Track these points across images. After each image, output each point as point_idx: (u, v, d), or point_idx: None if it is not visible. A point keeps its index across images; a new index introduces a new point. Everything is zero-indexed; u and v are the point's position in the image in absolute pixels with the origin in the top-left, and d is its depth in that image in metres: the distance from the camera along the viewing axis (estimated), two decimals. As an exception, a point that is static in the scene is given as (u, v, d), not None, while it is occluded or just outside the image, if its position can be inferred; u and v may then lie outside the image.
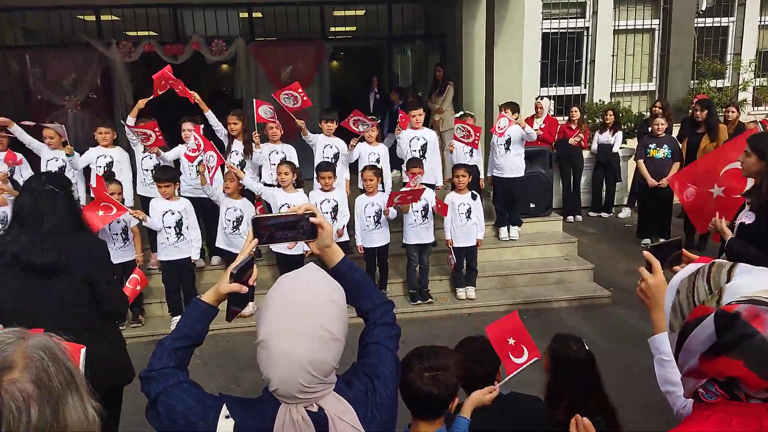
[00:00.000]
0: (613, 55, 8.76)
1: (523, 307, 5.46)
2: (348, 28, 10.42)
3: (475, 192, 5.47)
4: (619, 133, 7.78)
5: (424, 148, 5.81)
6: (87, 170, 5.63)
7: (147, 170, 5.61)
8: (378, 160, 5.72)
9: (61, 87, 8.64)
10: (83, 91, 8.61)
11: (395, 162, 6.49)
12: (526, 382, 3.74)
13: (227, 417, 1.29)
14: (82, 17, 8.74)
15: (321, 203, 5.18)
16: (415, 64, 10.96)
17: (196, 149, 5.29)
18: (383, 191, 5.54)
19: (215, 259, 5.96)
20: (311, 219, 1.49)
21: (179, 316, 5.13)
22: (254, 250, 1.55)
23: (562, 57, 8.61)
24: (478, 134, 5.69)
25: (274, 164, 5.54)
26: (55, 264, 2.32)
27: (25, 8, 8.33)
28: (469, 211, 5.35)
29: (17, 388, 0.95)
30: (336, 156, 5.80)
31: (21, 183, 4.98)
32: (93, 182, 5.45)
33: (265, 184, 5.56)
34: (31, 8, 8.32)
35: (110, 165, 5.43)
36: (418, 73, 10.75)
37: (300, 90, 5.63)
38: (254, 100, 5.67)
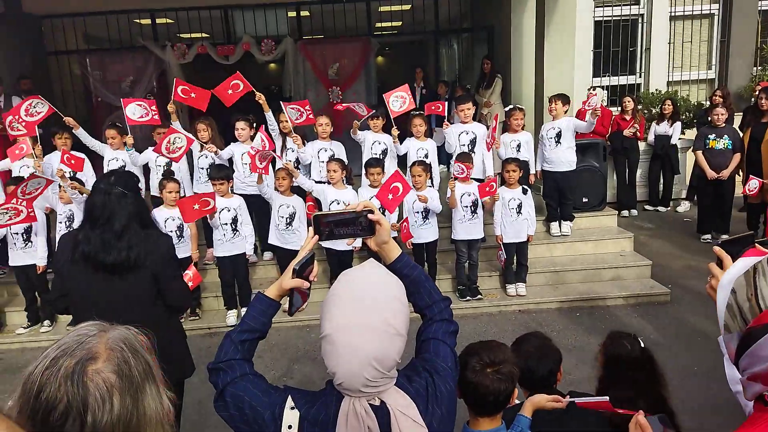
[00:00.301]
0: (669, 43, 8.43)
1: (575, 304, 5.35)
2: (394, 23, 10.42)
3: (525, 186, 5.38)
4: (678, 124, 7.48)
5: (473, 142, 5.76)
6: (146, 170, 5.86)
7: (203, 168, 5.79)
8: (426, 156, 5.70)
9: (119, 88, 9.03)
10: (140, 92, 8.95)
11: (443, 157, 6.45)
12: (577, 380, 3.69)
13: (292, 408, 1.34)
14: (138, 21, 9.09)
15: (370, 199, 5.20)
16: (461, 57, 10.86)
17: (262, 149, 5.32)
18: (432, 186, 5.52)
19: (267, 255, 6.09)
20: (369, 216, 1.52)
21: (234, 310, 5.35)
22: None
23: (616, 45, 8.34)
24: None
25: (323, 161, 5.61)
26: (125, 263, 2.43)
27: (86, 14, 8.71)
28: (519, 206, 5.27)
29: (101, 378, 1.01)
30: (384, 152, 5.82)
31: (84, 181, 5.25)
32: (153, 181, 5.69)
33: (315, 182, 5.64)
34: (91, 14, 8.71)
35: (169, 164, 5.63)
36: (465, 66, 10.64)
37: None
38: (281, 103, 5.71)
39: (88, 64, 9.05)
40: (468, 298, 5.45)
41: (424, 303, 1.54)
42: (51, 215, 5.36)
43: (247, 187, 5.66)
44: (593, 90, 7.24)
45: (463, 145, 5.77)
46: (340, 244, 5.15)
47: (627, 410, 1.73)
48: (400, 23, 10.59)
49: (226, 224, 5.13)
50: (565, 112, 5.93)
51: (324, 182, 5.50)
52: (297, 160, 5.75)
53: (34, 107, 5.13)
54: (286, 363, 4.67)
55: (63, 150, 5.45)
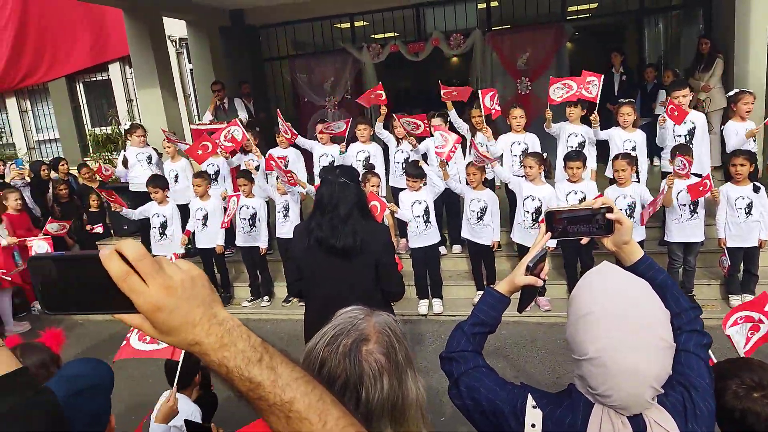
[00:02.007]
0: None
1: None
2: (591, 5, 9.75)
3: (757, 184, 4.66)
4: None
5: (691, 132, 5.14)
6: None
7: (398, 163, 6.05)
8: (634, 148, 5.23)
9: (322, 89, 9.86)
10: (340, 92, 9.70)
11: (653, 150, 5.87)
12: None
13: (534, 407, 1.32)
14: (339, 25, 9.79)
15: (567, 194, 4.96)
16: (667, 38, 9.76)
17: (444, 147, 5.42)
18: (638, 182, 5.06)
19: (456, 248, 6.18)
20: (608, 214, 1.42)
21: (425, 299, 5.52)
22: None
23: None
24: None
25: (516, 155, 5.51)
26: (352, 247, 2.65)
27: (295, 22, 9.65)
28: (749, 206, 4.58)
29: (373, 359, 1.07)
30: (582, 144, 5.49)
31: (299, 177, 5.82)
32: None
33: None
34: (299, 21, 9.61)
35: (368, 159, 6.00)
36: (672, 48, 9.54)
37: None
38: (479, 91, 5.62)
39: (296, 68, 10.03)
40: (680, 306, 4.89)
41: (672, 311, 1.38)
42: (270, 203, 6.06)
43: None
44: None
45: (679, 136, 5.18)
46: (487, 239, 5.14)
47: None
48: (596, 5, 9.87)
49: (419, 216, 5.30)
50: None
51: (520, 176, 5.37)
52: (406, 160, 5.82)
53: (231, 133, 5.80)
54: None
55: (269, 156, 5.97)
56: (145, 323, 0.70)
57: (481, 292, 5.48)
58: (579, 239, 1.51)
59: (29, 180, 7.38)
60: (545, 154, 5.20)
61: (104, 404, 1.36)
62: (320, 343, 1.11)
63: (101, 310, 0.72)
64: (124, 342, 2.66)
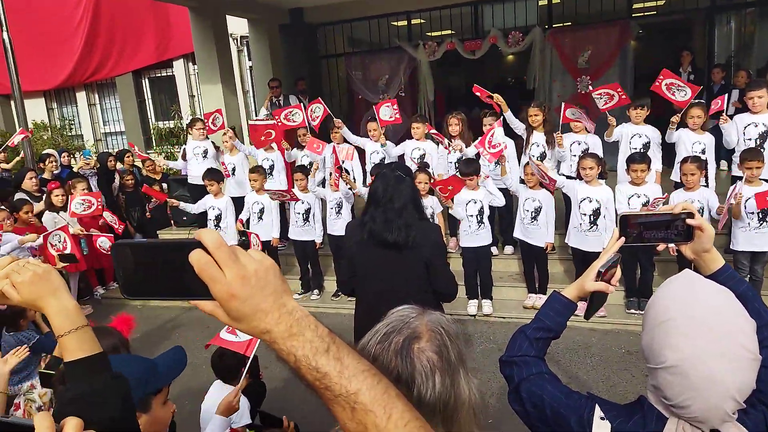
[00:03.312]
0: None
1: None
2: (658, 2, 9.36)
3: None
4: None
5: (763, 136, 4.85)
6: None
7: (450, 163, 6.00)
8: (703, 151, 4.98)
9: (377, 86, 9.89)
10: (395, 89, 9.70)
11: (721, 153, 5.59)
12: None
13: (602, 418, 1.27)
14: (395, 23, 9.80)
15: (630, 198, 4.78)
16: (739, 37, 9.24)
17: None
18: (706, 186, 4.82)
19: (508, 249, 6.08)
20: (688, 220, 1.36)
21: (475, 300, 5.45)
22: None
23: None
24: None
25: (575, 155, 5.35)
26: (405, 241, 2.64)
27: (352, 20, 9.73)
28: (827, 214, 4.29)
29: (425, 357, 1.05)
30: (646, 146, 5.28)
31: (348, 174, 5.87)
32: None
33: (566, 176, 5.39)
34: (356, 19, 9.69)
35: (423, 157, 5.98)
36: (743, 47, 9.03)
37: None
38: (563, 103, 5.49)
39: (351, 65, 10.11)
40: (746, 319, 4.64)
41: None
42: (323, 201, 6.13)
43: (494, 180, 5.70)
44: None
45: (749, 139, 4.90)
46: (539, 240, 5.12)
47: None
48: (663, 1, 9.47)
49: (472, 216, 5.23)
50: None
51: (574, 177, 5.22)
52: (543, 155, 5.61)
53: (314, 112, 6.06)
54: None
55: (333, 147, 6.14)
56: (218, 309, 0.72)
57: (534, 295, 5.39)
58: (655, 246, 1.44)
59: (96, 170, 7.76)
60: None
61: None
62: (372, 341, 1.11)
63: (177, 296, 0.74)
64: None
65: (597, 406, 1.29)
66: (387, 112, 6.03)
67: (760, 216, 4.44)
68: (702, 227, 1.36)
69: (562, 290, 1.54)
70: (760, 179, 4.51)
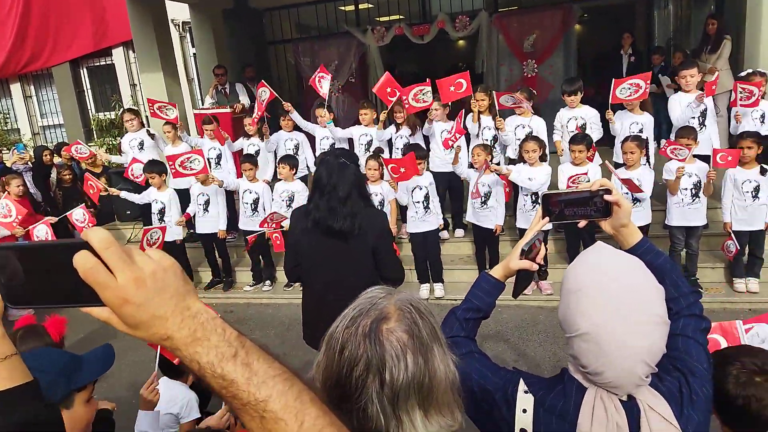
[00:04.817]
0: None
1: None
2: (600, -14, 9.57)
3: (765, 166, 4.57)
4: None
5: (704, 114, 5.04)
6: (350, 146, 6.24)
7: (398, 149, 5.98)
8: (641, 131, 5.14)
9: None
10: (344, 76, 9.59)
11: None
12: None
13: (526, 392, 1.29)
14: (343, 8, 9.67)
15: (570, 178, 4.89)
16: (677, 19, 9.56)
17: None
18: (646, 165, 4.98)
19: (459, 232, 6.14)
20: (606, 196, 1.39)
21: (426, 284, 5.49)
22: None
23: None
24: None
25: (519, 139, 5.40)
26: (350, 230, 2.61)
27: (299, 4, 9.54)
28: (756, 189, 4.50)
29: (395, 337, 1.01)
30: (583, 127, 5.41)
31: (301, 160, 5.79)
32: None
33: (510, 160, 5.48)
34: (303, 4, 9.50)
35: (370, 143, 5.94)
36: (681, 29, 9.35)
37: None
38: (494, 93, 5.52)
39: (300, 51, 9.93)
40: (684, 291, 4.84)
41: (670, 295, 1.35)
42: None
43: (443, 165, 5.72)
44: None
45: (693, 118, 5.08)
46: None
47: None
48: (606, -14, 9.69)
49: (419, 202, 5.25)
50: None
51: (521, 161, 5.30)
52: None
53: (260, 96, 5.87)
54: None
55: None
56: (113, 317, 0.67)
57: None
58: (576, 222, 1.46)
59: (30, 165, 7.38)
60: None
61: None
62: (340, 326, 1.06)
63: (68, 304, 0.68)
64: None
65: (521, 379, 1.32)
66: (326, 84, 5.86)
67: (693, 192, 4.63)
68: (619, 203, 1.38)
69: (490, 271, 1.55)
70: (695, 155, 4.69)
